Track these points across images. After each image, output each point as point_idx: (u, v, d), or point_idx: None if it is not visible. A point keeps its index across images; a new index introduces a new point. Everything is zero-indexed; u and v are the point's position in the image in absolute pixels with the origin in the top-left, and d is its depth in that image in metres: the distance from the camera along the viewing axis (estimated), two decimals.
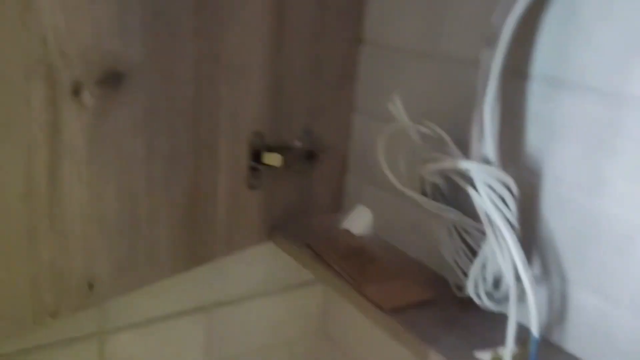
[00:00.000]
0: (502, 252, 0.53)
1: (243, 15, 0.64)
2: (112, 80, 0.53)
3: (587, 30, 0.53)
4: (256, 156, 0.72)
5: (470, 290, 0.60)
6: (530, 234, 0.58)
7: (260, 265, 0.85)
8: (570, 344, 0.57)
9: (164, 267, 0.66)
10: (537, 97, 0.57)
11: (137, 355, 0.76)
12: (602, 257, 0.54)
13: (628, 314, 0.53)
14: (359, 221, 0.80)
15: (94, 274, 0.58)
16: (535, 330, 0.53)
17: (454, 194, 0.64)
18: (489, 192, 0.53)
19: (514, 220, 0.54)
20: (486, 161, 0.54)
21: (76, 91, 0.51)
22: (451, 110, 0.66)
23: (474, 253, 0.63)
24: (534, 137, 0.58)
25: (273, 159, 0.72)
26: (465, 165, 0.52)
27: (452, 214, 0.63)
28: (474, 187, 0.54)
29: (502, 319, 0.62)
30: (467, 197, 0.63)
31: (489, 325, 0.61)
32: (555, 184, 0.57)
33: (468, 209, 0.63)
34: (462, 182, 0.55)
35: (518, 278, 0.53)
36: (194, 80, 0.61)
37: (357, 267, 0.70)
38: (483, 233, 0.60)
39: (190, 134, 0.63)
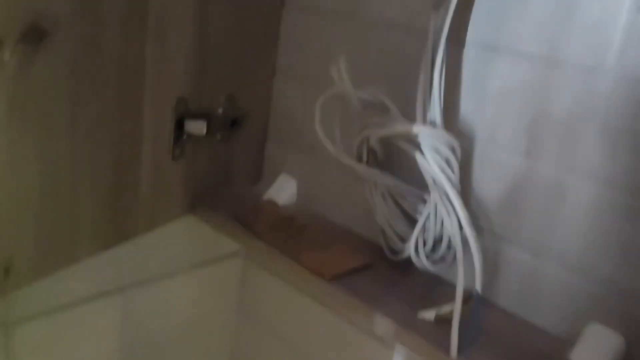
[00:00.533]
0: (449, 214, 0.55)
1: None
2: (35, 37, 0.46)
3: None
4: (180, 124, 0.67)
5: (411, 253, 0.61)
6: (464, 195, 0.61)
7: (177, 239, 0.80)
8: (503, 300, 0.61)
9: (85, 247, 0.60)
10: (472, 63, 0.59)
11: (47, 345, 0.69)
12: (532, 215, 0.58)
13: (557, 269, 0.57)
14: (282, 190, 0.78)
15: (11, 258, 0.52)
16: (479, 287, 0.55)
17: (389, 159, 0.65)
18: (436, 156, 0.54)
19: (457, 182, 0.56)
20: (432, 124, 0.55)
21: None
22: (382, 74, 0.66)
23: (409, 217, 0.64)
24: (469, 102, 0.60)
25: (197, 127, 0.68)
26: (416, 129, 0.52)
27: (388, 180, 0.63)
28: (420, 151, 0.55)
29: (437, 279, 0.65)
30: (402, 162, 0.64)
31: (427, 286, 0.63)
32: (488, 146, 0.60)
33: (402, 174, 0.64)
34: (407, 147, 0.56)
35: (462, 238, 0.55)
36: (121, 38, 0.56)
37: (290, 237, 0.69)
38: (419, 197, 0.62)
39: (116, 98, 0.57)
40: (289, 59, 0.77)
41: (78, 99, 0.53)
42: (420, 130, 0.53)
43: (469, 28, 0.58)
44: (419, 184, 0.61)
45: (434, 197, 0.56)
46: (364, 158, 0.64)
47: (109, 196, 0.61)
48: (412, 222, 0.63)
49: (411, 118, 0.58)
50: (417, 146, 0.55)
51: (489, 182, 0.60)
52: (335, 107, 0.65)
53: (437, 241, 0.60)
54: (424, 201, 0.61)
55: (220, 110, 0.72)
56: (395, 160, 0.64)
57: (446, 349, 0.53)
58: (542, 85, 0.55)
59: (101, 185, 0.59)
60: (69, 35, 0.50)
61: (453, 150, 0.54)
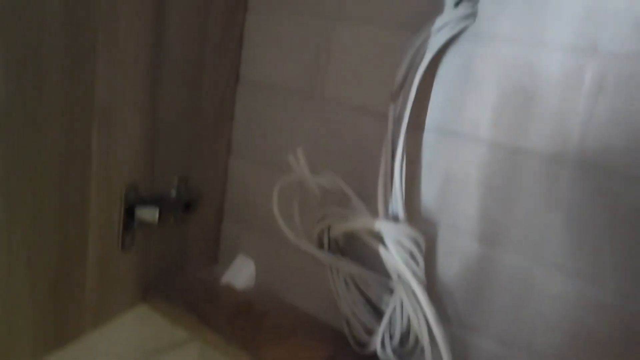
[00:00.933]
0: (415, 311, 0.52)
1: (118, 53, 0.56)
2: None
3: (481, 86, 0.54)
4: (130, 212, 0.63)
5: (377, 348, 0.58)
6: (430, 284, 0.58)
7: (127, 332, 0.75)
8: None
9: (24, 356, 0.55)
10: (433, 148, 0.58)
11: None
12: (499, 304, 0.56)
13: (525, 359, 0.55)
14: (241, 274, 0.75)
15: None
16: None
17: (352, 244, 0.62)
18: (400, 251, 0.52)
19: (422, 275, 0.54)
20: (395, 218, 0.53)
21: None
22: (342, 155, 0.64)
23: (373, 306, 0.61)
24: (430, 188, 0.58)
25: (149, 214, 0.64)
26: (377, 225, 0.50)
27: (351, 267, 0.61)
28: (384, 243, 0.52)
29: None
30: (365, 248, 0.61)
31: None
32: (452, 233, 0.58)
33: (366, 260, 0.62)
34: (370, 241, 0.53)
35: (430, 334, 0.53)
36: (63, 128, 0.52)
37: (248, 328, 0.65)
38: (385, 285, 0.60)
39: (57, 193, 0.54)
40: (245, 136, 0.74)
41: (14, 199, 0.49)
42: (383, 226, 0.50)
43: (429, 113, 0.57)
44: (384, 270, 0.58)
45: (399, 292, 0.53)
46: (325, 244, 0.61)
47: (50, 297, 0.56)
48: (377, 311, 0.60)
49: (372, 205, 0.56)
50: (381, 239, 0.52)
51: (454, 271, 0.58)
52: (294, 189, 0.63)
53: (405, 335, 0.58)
54: (390, 290, 0.59)
55: (173, 193, 0.69)
56: (358, 245, 0.62)
57: None
58: (505, 173, 0.54)
59: (42, 287, 0.55)
60: (5, 129, 0.47)
61: (417, 244, 0.52)
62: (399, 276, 0.52)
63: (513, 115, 0.53)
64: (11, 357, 0.54)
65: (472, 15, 0.53)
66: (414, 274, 0.52)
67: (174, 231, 0.71)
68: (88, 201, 0.57)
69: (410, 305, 0.53)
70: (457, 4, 0.54)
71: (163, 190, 0.68)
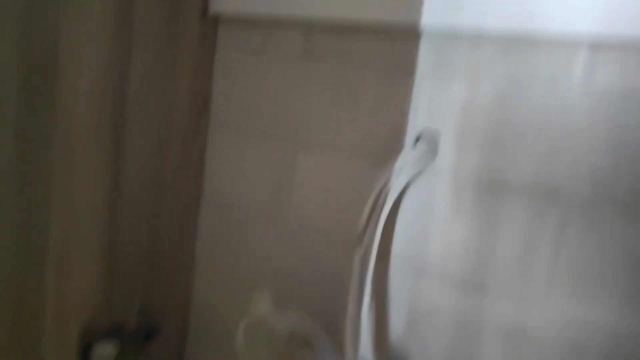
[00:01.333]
0: None
1: (74, 192, 0.54)
2: None
3: (445, 223, 0.54)
4: (87, 349, 0.60)
5: None
6: None
7: None
8: None
9: None
10: (399, 281, 0.57)
11: None
12: None
13: None
14: None
15: None
16: None
17: None
18: None
19: None
20: None
21: None
22: (305, 281, 0.63)
23: None
24: (399, 320, 0.57)
25: (108, 350, 0.61)
26: None
27: None
28: None
29: None
30: None
31: None
32: None
33: None
34: None
35: None
36: (13, 275, 0.50)
37: None
38: None
39: (8, 342, 0.51)
40: (210, 256, 0.73)
41: None
42: None
43: (395, 247, 0.57)
44: None
45: None
46: None
47: None
48: None
49: (341, 337, 0.55)
50: None
51: None
52: (261, 325, 0.61)
53: None
54: None
55: (133, 322, 0.66)
56: None
57: None
58: (471, 311, 0.54)
59: None
60: None
61: None
62: None
63: (477, 257, 0.53)
64: None
65: (433, 153, 0.54)
66: None
67: None
68: (40, 347, 0.54)
69: None
70: (416, 142, 0.54)
71: (123, 320, 0.65)
